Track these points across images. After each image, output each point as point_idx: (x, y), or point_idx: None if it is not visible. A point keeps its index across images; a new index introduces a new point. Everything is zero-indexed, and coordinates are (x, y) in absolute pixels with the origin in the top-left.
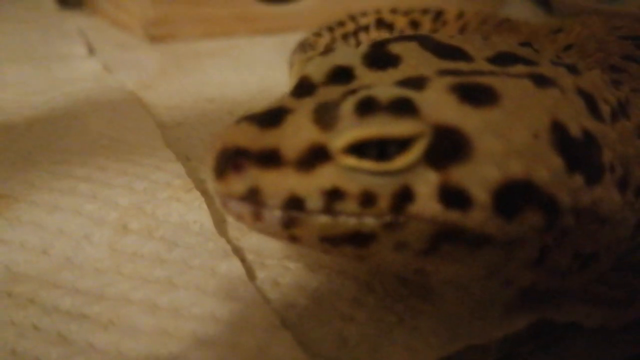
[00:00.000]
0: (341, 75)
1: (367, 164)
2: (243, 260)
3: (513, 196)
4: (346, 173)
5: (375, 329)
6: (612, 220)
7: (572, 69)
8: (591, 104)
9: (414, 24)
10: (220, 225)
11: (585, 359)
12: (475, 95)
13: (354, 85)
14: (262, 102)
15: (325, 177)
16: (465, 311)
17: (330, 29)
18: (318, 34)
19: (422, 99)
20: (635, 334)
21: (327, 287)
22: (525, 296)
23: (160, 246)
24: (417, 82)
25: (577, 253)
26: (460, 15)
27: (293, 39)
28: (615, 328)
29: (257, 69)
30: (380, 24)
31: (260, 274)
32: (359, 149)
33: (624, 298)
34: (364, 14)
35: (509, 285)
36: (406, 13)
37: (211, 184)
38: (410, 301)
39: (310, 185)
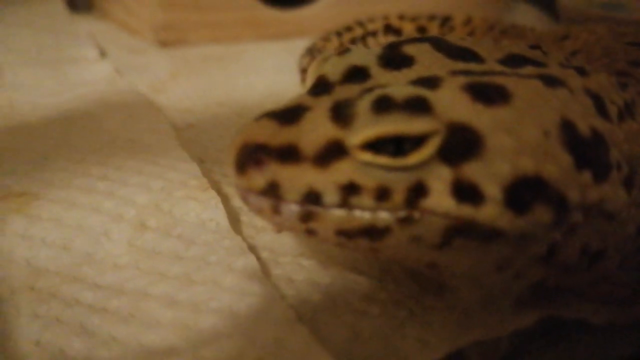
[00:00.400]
0: (357, 74)
1: (383, 160)
2: (258, 257)
3: (523, 192)
4: (362, 168)
5: (387, 323)
6: (619, 218)
7: (580, 71)
8: (599, 104)
9: (422, 30)
10: (235, 223)
11: (592, 356)
12: (487, 94)
13: (369, 84)
14: (270, 106)
15: (341, 172)
16: (476, 306)
17: (339, 34)
18: (326, 39)
19: (436, 97)
20: None
21: (340, 284)
22: (535, 293)
23: (178, 243)
24: (431, 82)
25: (585, 250)
26: (468, 21)
27: (301, 44)
28: (621, 326)
29: (265, 74)
30: (388, 29)
31: (275, 271)
32: (374, 145)
33: (629, 296)
34: (371, 20)
35: (519, 279)
36: (413, 19)
37: (231, 180)
38: (421, 297)
39: (327, 180)
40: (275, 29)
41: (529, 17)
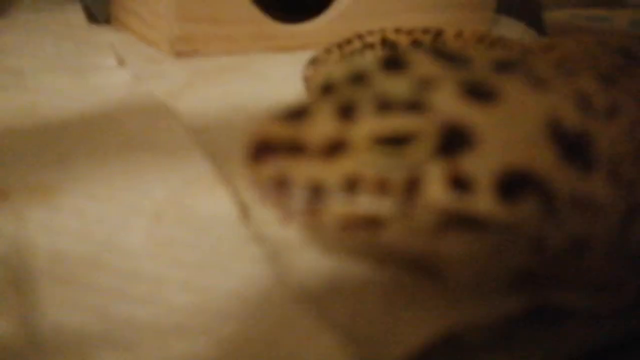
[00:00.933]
0: (359, 78)
1: (381, 155)
2: (265, 247)
3: (514, 184)
4: (363, 162)
5: (386, 307)
6: (604, 210)
7: (568, 72)
8: (586, 102)
9: (416, 43)
10: (244, 216)
11: (580, 342)
12: (480, 93)
13: (370, 86)
14: None
15: (344, 165)
16: (469, 291)
17: (340, 46)
18: (328, 51)
19: (433, 97)
20: (623, 319)
21: (342, 271)
22: (524, 281)
23: (192, 234)
24: (428, 83)
25: (572, 240)
26: (459, 34)
27: (305, 56)
28: (607, 313)
29: (273, 83)
30: (385, 42)
31: (281, 260)
32: (376, 140)
33: (615, 285)
34: (370, 33)
35: (510, 267)
36: (408, 32)
37: (241, 176)
38: (418, 282)
39: (332, 173)
40: (282, 42)
41: (515, 32)
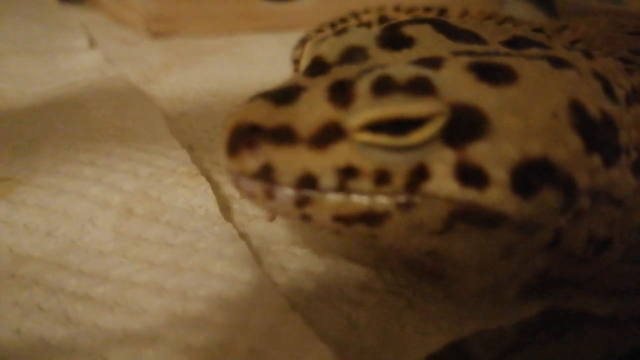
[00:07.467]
0: (355, 55)
1: (383, 139)
2: (249, 245)
3: (531, 175)
4: (361, 150)
5: (384, 313)
6: (626, 205)
7: (587, 54)
8: (607, 87)
9: None
10: (225, 211)
11: (595, 348)
12: (492, 74)
13: (368, 64)
14: None
15: (339, 155)
16: (478, 296)
17: (333, 26)
18: (320, 31)
19: (440, 77)
20: None
21: (334, 273)
22: (538, 284)
23: (166, 230)
24: (433, 62)
25: (591, 237)
26: (464, 13)
27: (295, 37)
28: (624, 319)
29: (259, 65)
30: (383, 21)
31: (267, 259)
32: (374, 125)
33: (633, 289)
34: (366, 11)
35: (524, 268)
36: (409, 10)
37: (222, 168)
38: (419, 286)
39: (324, 163)
40: (270, 21)
41: (524, 13)
